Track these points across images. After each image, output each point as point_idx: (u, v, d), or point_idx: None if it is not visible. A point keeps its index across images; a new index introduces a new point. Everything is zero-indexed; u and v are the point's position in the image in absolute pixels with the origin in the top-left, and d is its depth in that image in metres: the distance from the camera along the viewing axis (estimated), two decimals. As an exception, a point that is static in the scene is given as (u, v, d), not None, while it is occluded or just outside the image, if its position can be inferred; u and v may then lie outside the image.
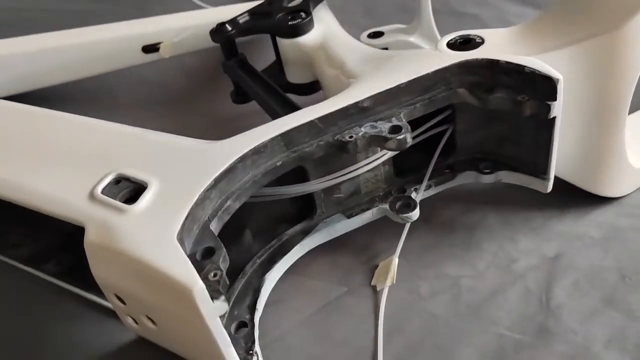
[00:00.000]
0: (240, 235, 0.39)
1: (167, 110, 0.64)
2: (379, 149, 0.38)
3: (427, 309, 0.36)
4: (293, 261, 0.38)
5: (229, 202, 0.33)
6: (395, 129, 0.35)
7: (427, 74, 0.36)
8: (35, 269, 0.42)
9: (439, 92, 0.37)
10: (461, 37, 0.39)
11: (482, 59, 0.36)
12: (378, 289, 0.38)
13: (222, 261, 0.29)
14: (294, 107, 0.46)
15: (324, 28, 0.50)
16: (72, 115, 0.40)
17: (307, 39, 0.49)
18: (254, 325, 0.34)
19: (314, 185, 0.38)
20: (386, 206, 0.39)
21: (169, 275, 0.27)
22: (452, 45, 0.39)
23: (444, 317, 0.35)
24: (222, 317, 0.33)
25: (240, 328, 0.34)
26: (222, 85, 0.58)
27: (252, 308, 0.35)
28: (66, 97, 0.67)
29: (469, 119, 0.40)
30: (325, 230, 0.40)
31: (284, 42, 0.50)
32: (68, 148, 0.36)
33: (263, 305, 0.36)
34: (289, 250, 0.38)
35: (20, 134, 0.39)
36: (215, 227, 0.32)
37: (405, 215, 0.38)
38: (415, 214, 0.38)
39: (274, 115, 0.45)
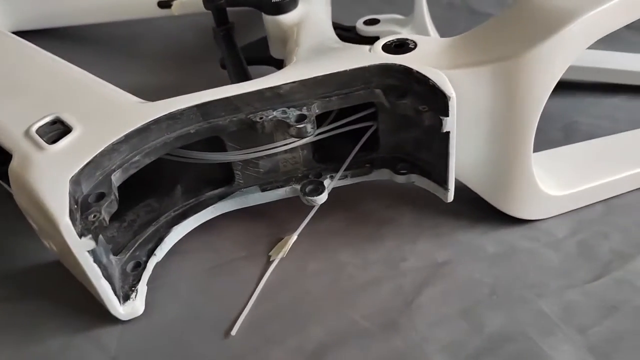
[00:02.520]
0: (173, 189, 0.44)
1: (175, 64, 0.70)
2: None
3: (305, 285, 0.39)
4: (204, 220, 0.43)
5: (137, 157, 0.37)
6: (301, 118, 0.37)
7: (347, 71, 0.39)
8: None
9: (357, 89, 0.39)
10: (398, 40, 0.41)
11: (400, 65, 0.38)
12: (271, 260, 0.41)
13: (107, 206, 0.34)
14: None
15: (307, 10, 0.53)
16: (46, 54, 0.46)
17: (287, 18, 0.52)
18: (145, 267, 0.39)
19: (229, 156, 0.41)
20: (298, 187, 0.43)
21: (47, 209, 0.32)
22: (387, 47, 0.41)
23: (314, 294, 0.39)
24: (122, 255, 0.39)
25: (136, 268, 0.39)
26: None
27: (151, 252, 0.40)
28: (89, 38, 0.74)
29: (390, 119, 0.42)
30: (240, 198, 0.43)
31: (267, 18, 0.54)
32: (30, 84, 0.42)
33: (165, 252, 0.41)
34: (201, 210, 0.43)
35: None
36: (118, 176, 0.36)
37: (311, 198, 0.41)
38: (321, 198, 0.41)
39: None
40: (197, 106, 0.38)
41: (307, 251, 0.42)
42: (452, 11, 0.74)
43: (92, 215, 0.33)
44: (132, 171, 0.37)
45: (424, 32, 0.60)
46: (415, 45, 0.40)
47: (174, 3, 0.66)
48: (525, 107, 0.36)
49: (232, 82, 0.50)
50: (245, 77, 0.51)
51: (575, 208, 0.44)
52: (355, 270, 0.40)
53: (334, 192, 0.43)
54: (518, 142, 0.38)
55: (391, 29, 0.61)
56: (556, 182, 0.43)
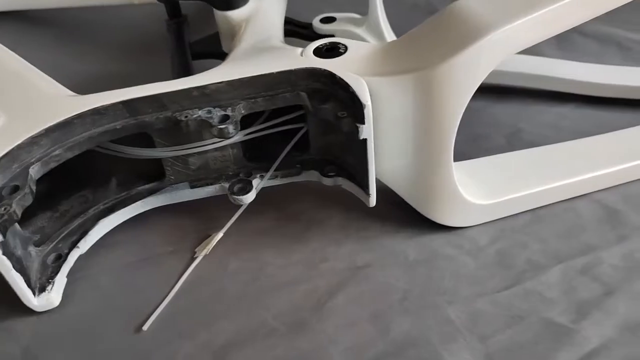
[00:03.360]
0: (109, 182, 0.44)
1: (134, 54, 0.70)
2: None
3: (223, 282, 0.40)
4: (132, 215, 0.43)
5: (58, 151, 0.37)
6: (224, 119, 0.38)
7: (273, 73, 0.39)
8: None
9: (283, 91, 0.40)
10: (330, 43, 0.41)
11: (325, 70, 0.39)
12: (195, 256, 0.42)
13: (20, 200, 0.34)
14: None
15: (257, 6, 0.53)
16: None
17: (237, 13, 0.52)
18: (65, 260, 0.39)
19: (156, 152, 0.42)
20: (227, 185, 0.43)
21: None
22: (318, 50, 0.41)
23: (231, 292, 0.39)
24: (45, 246, 0.39)
25: (57, 260, 0.40)
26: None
27: (74, 245, 0.41)
28: (50, 22, 0.74)
29: (318, 122, 0.43)
30: (170, 194, 0.44)
31: (218, 13, 0.54)
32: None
33: (89, 245, 0.41)
34: (130, 204, 0.43)
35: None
36: (37, 170, 0.37)
37: (238, 197, 0.42)
38: (248, 198, 0.42)
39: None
40: (124, 102, 0.38)
41: (231, 249, 0.43)
42: (416, 12, 0.75)
43: (2, 208, 0.33)
44: (53, 165, 0.38)
45: (378, 32, 0.60)
46: (346, 50, 0.41)
47: (134, -10, 0.67)
48: (443, 116, 0.37)
49: (173, 77, 0.51)
50: (186, 72, 0.51)
51: (501, 217, 0.44)
52: (275, 270, 0.41)
53: (266, 191, 0.43)
54: (437, 150, 0.39)
55: (346, 28, 0.61)
56: (483, 190, 0.43)
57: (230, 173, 0.44)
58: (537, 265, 0.41)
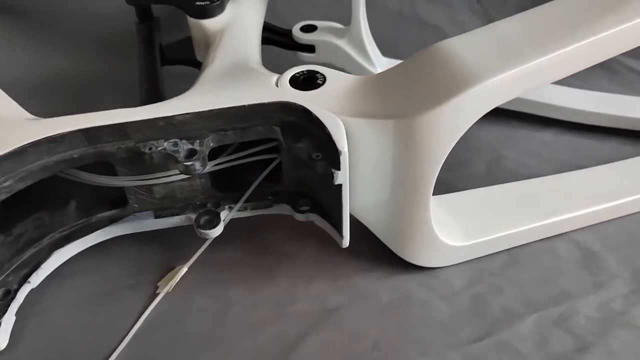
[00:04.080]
0: (67, 205, 0.42)
1: (103, 49, 0.66)
2: None
3: (185, 325, 0.38)
4: (90, 244, 0.41)
5: (9, 182, 0.34)
6: (190, 153, 0.35)
7: (245, 106, 0.37)
8: None
9: (256, 124, 0.37)
10: (308, 72, 0.39)
11: (301, 106, 0.36)
12: (157, 292, 0.40)
13: None
14: (153, 91, 0.47)
15: (234, 17, 0.50)
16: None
17: (211, 23, 0.49)
18: (14, 297, 0.37)
19: (118, 181, 0.39)
20: (193, 217, 0.41)
21: None
22: (294, 80, 0.39)
23: (193, 337, 0.37)
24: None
25: (5, 296, 0.37)
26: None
27: (25, 279, 0.38)
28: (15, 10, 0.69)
29: (292, 155, 0.40)
30: (132, 223, 0.41)
31: (191, 21, 0.50)
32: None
33: (41, 279, 0.39)
34: (89, 233, 0.40)
35: None
36: (-15, 201, 0.34)
37: (204, 231, 0.40)
38: (215, 232, 0.40)
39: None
40: (83, 130, 0.35)
41: (197, 284, 0.41)
42: (401, 21, 0.72)
43: None
44: (3, 197, 0.35)
45: (361, 45, 0.58)
46: (324, 81, 0.38)
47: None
48: (423, 164, 0.35)
49: (139, 89, 0.48)
50: (153, 84, 0.48)
51: (478, 256, 0.43)
52: (242, 311, 0.39)
53: (236, 219, 0.41)
54: (416, 195, 0.37)
55: (327, 39, 0.59)
56: (460, 231, 0.42)
57: (198, 203, 0.42)
58: (512, 313, 0.40)
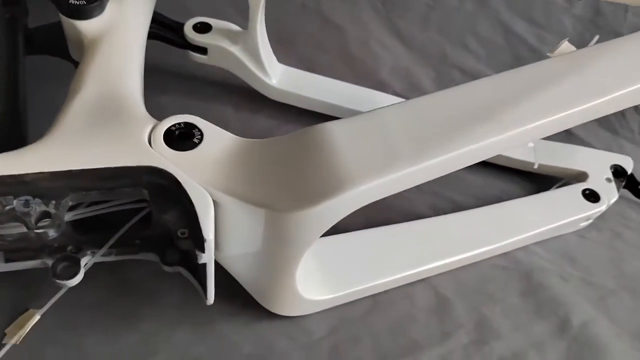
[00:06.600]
0: None
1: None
2: None
3: (34, 381, 0.37)
4: None
5: None
6: (43, 216, 0.32)
7: (110, 168, 0.34)
8: None
9: (123, 185, 0.35)
10: (185, 125, 0.37)
11: (170, 173, 0.34)
12: (3, 342, 0.38)
13: None
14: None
15: (115, 22, 0.45)
16: None
17: (85, 25, 0.44)
18: None
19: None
20: (50, 262, 0.38)
21: None
22: (169, 134, 0.36)
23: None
24: None
25: None
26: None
27: None
28: None
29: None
30: (-23, 265, 0.38)
31: (64, 19, 0.45)
32: None
33: None
34: None
35: None
36: None
37: (61, 282, 0.37)
38: (74, 281, 0.37)
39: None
40: None
41: (49, 331, 0.39)
42: (303, 13, 0.69)
43: None
44: None
45: (255, 54, 0.55)
46: (201, 140, 0.36)
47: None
48: (290, 249, 0.35)
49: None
50: (10, 85, 0.43)
51: (341, 304, 0.45)
52: (98, 365, 0.38)
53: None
54: (282, 268, 0.37)
55: (220, 45, 0.55)
56: (322, 283, 0.43)
57: (56, 246, 0.39)
58: (364, 367, 0.42)
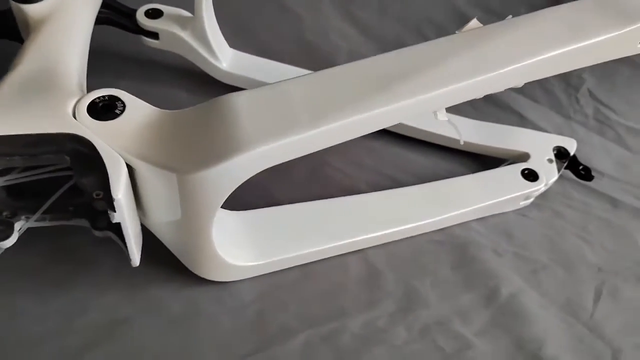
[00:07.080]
0: None
1: None
2: None
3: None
4: None
5: None
6: (-33, 179, 0.35)
7: (33, 135, 0.36)
8: None
9: (45, 152, 0.37)
10: (109, 98, 0.39)
11: (87, 140, 0.36)
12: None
13: None
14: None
15: (58, 9, 0.47)
16: None
17: (32, 10, 0.46)
18: None
19: None
20: (-17, 226, 0.41)
21: None
22: (93, 106, 0.38)
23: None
24: None
25: None
26: None
27: None
28: None
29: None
30: None
31: (12, 2, 0.47)
32: None
33: None
34: None
35: None
36: None
37: (-6, 242, 0.40)
38: (7, 243, 0.40)
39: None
40: None
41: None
42: (263, 4, 0.71)
43: None
44: None
45: (204, 39, 0.58)
46: (122, 111, 0.39)
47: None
48: (201, 210, 0.37)
49: None
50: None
51: (272, 271, 0.47)
52: (27, 323, 0.41)
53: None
54: (197, 230, 0.39)
55: (171, 30, 0.57)
56: (251, 250, 0.45)
57: (-9, 210, 0.42)
58: (288, 329, 0.44)
